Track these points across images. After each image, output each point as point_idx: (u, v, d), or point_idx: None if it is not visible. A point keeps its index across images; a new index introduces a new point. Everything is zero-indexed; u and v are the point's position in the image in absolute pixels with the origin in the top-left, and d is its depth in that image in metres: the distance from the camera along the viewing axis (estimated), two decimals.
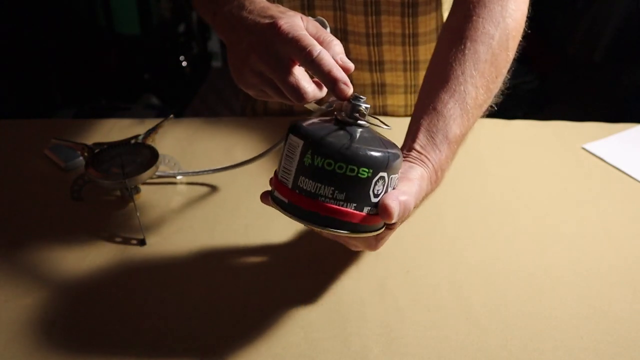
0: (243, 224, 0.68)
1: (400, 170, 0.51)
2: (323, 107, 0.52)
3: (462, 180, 0.76)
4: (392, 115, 0.93)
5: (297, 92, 0.49)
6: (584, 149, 0.82)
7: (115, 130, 0.86)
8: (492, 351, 0.53)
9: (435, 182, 0.57)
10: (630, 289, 0.60)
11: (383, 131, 0.50)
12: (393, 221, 0.48)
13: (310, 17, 0.54)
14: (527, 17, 0.66)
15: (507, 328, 0.55)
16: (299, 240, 0.66)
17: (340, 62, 0.49)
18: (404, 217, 0.50)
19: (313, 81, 0.51)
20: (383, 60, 0.87)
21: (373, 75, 0.89)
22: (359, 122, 0.49)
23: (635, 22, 1.71)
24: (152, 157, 0.71)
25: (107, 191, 0.74)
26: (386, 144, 0.49)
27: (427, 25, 0.83)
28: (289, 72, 0.49)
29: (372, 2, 0.80)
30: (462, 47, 0.60)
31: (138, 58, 2.24)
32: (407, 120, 0.61)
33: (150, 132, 0.76)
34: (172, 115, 0.79)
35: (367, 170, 0.46)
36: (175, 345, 0.54)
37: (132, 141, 0.74)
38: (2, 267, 0.63)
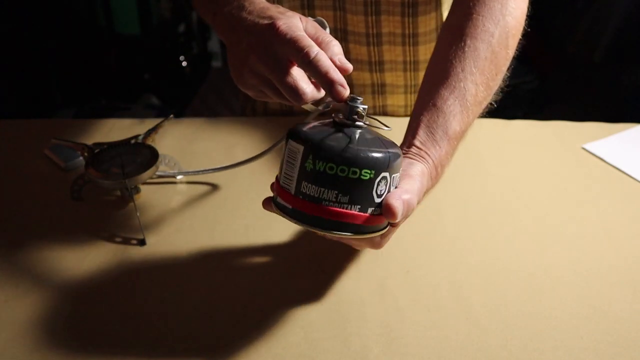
0: (243, 224, 0.68)
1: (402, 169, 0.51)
2: (320, 107, 0.52)
3: (462, 180, 0.76)
4: (392, 115, 0.93)
5: (296, 92, 0.49)
6: (584, 149, 0.82)
7: (115, 130, 0.86)
8: (492, 351, 0.53)
9: (435, 177, 0.57)
10: (630, 289, 0.60)
11: (383, 131, 0.50)
12: (397, 220, 0.48)
13: (309, 18, 0.54)
14: (527, 15, 0.66)
15: (507, 328, 0.55)
16: (299, 240, 0.66)
17: (338, 63, 0.50)
18: (407, 215, 0.50)
19: (311, 82, 0.51)
20: (383, 60, 0.87)
21: (373, 75, 0.89)
22: (358, 123, 0.49)
23: (635, 22, 1.71)
24: (152, 157, 0.71)
25: (107, 191, 0.74)
26: (386, 143, 0.49)
27: (427, 25, 0.83)
28: (287, 72, 0.49)
29: (372, 2, 0.80)
30: (462, 44, 0.61)
31: (138, 58, 2.24)
32: (407, 120, 0.61)
33: (150, 132, 0.76)
34: (172, 115, 0.79)
35: (369, 171, 0.46)
36: (175, 345, 0.54)
37: (132, 141, 0.74)
38: (2, 267, 0.63)
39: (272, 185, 0.54)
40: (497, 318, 0.56)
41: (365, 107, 0.49)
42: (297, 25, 0.50)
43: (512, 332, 0.55)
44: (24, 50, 1.97)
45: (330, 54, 0.50)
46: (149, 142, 0.75)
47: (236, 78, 0.55)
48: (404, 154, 0.56)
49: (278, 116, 0.94)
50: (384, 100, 0.92)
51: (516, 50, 0.65)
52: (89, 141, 0.75)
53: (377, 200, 0.48)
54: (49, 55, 2.06)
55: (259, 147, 0.65)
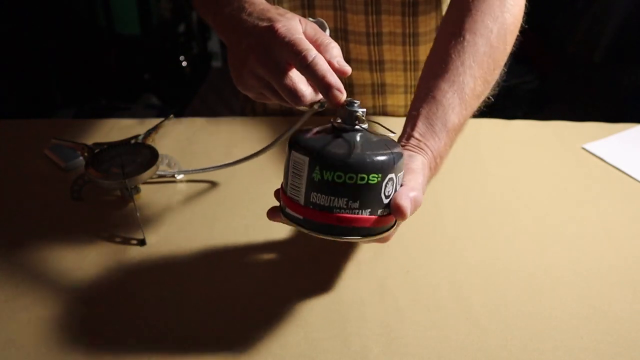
0: (243, 224, 0.68)
1: None
2: (316, 106, 0.52)
3: (462, 180, 0.76)
4: (392, 115, 0.93)
5: (295, 95, 0.49)
6: (584, 149, 0.82)
7: (115, 130, 0.86)
8: (492, 351, 0.53)
9: (434, 169, 0.58)
10: (630, 289, 0.60)
11: (380, 120, 0.51)
12: (406, 219, 0.49)
13: (309, 19, 0.54)
14: (526, 14, 0.67)
15: (507, 328, 0.55)
16: (299, 240, 0.66)
17: (337, 65, 0.50)
18: (415, 211, 0.51)
19: (310, 84, 0.51)
20: (383, 60, 0.87)
21: (373, 75, 0.89)
22: (358, 127, 0.49)
23: (635, 22, 1.71)
24: (152, 157, 0.71)
25: (107, 191, 0.74)
26: (388, 144, 0.49)
27: (427, 25, 0.83)
28: (286, 75, 0.49)
29: (373, 2, 0.80)
30: (462, 39, 0.62)
31: (138, 58, 2.24)
32: None
33: (150, 132, 0.76)
34: (172, 115, 0.79)
35: (376, 175, 0.47)
36: (175, 345, 0.54)
37: (132, 141, 0.74)
38: (2, 267, 0.63)
39: (276, 193, 0.54)
40: (497, 318, 0.56)
41: (364, 110, 0.49)
42: (296, 27, 0.50)
43: (512, 332, 0.55)
44: (24, 50, 1.97)
45: (329, 57, 0.50)
46: (149, 142, 0.75)
47: (236, 79, 0.55)
48: (402, 145, 0.57)
49: (278, 116, 0.94)
50: (384, 100, 0.92)
51: (514, 46, 0.66)
52: (89, 141, 0.75)
53: (386, 201, 0.49)
54: (49, 55, 2.06)
55: (259, 147, 0.65)
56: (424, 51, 0.85)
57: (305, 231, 0.49)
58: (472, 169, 0.78)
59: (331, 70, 0.48)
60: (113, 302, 0.59)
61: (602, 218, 0.69)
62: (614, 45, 1.78)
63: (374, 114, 0.93)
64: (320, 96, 0.51)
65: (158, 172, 0.71)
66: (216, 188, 0.75)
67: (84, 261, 0.63)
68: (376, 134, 0.51)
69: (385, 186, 0.48)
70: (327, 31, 0.55)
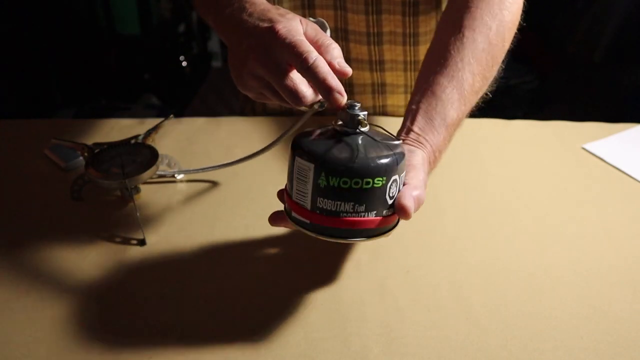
0: (243, 224, 0.68)
1: None
2: (316, 106, 0.52)
3: (462, 180, 0.76)
4: (392, 115, 0.93)
5: (296, 96, 0.49)
6: (584, 149, 0.82)
7: (115, 130, 0.86)
8: (492, 351, 0.53)
9: (433, 162, 0.59)
10: (630, 289, 0.60)
11: (380, 120, 0.51)
12: (410, 218, 0.50)
13: (310, 19, 0.54)
14: (523, 11, 0.68)
15: (507, 328, 0.55)
16: (299, 240, 0.66)
17: (337, 66, 0.50)
18: (418, 208, 0.52)
19: (311, 84, 0.51)
20: (383, 59, 0.87)
21: (373, 74, 0.89)
22: (359, 130, 0.49)
23: (635, 22, 1.71)
24: (152, 157, 0.71)
25: (107, 191, 0.74)
26: (390, 144, 0.49)
27: (428, 25, 0.83)
28: (286, 76, 0.49)
29: (373, 2, 0.80)
30: (461, 35, 0.63)
31: (138, 58, 2.24)
32: None
33: (150, 132, 0.76)
34: (172, 115, 0.79)
35: (381, 179, 0.47)
36: (176, 344, 0.54)
37: (132, 141, 0.74)
38: (2, 267, 0.63)
39: (279, 194, 0.55)
40: (497, 318, 0.56)
41: (365, 113, 0.49)
42: (296, 29, 0.50)
43: (512, 332, 0.55)
44: (24, 50, 1.97)
45: (330, 58, 0.50)
46: (149, 142, 0.75)
47: (236, 79, 0.55)
48: (402, 139, 0.58)
49: (278, 116, 0.94)
50: (384, 100, 0.92)
51: (512, 44, 0.67)
52: (89, 141, 0.75)
53: (390, 201, 0.49)
54: (49, 55, 2.06)
55: (259, 147, 0.65)
56: (424, 51, 0.85)
57: (312, 234, 0.50)
58: (472, 169, 0.78)
59: (332, 72, 0.48)
60: (113, 301, 0.59)
61: (602, 218, 0.69)
62: (614, 45, 1.78)
63: (374, 114, 0.93)
64: (320, 96, 0.51)
65: (158, 172, 0.71)
66: (216, 188, 0.75)
67: (84, 261, 0.63)
68: (377, 133, 0.51)
69: (390, 188, 0.48)
70: (328, 31, 0.55)
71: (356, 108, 0.48)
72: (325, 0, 0.82)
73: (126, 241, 0.66)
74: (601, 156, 0.80)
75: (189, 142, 0.84)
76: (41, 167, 0.79)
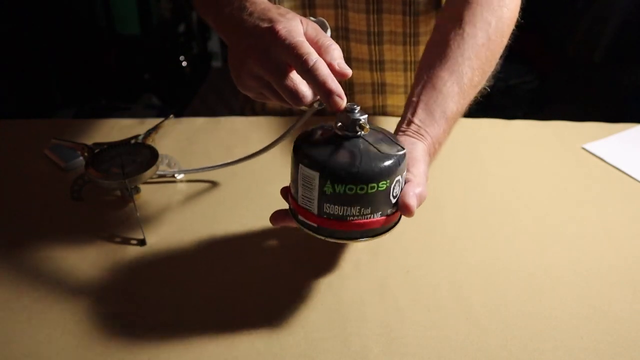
0: (243, 224, 0.68)
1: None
2: (316, 105, 0.52)
3: (462, 180, 0.76)
4: (392, 115, 0.93)
5: (296, 96, 0.49)
6: (584, 149, 0.82)
7: (115, 130, 0.86)
8: (492, 351, 0.53)
9: (433, 154, 0.60)
10: (630, 289, 0.60)
11: (380, 120, 0.51)
12: (413, 215, 0.51)
13: (310, 18, 0.54)
14: (521, 8, 0.70)
15: (507, 328, 0.55)
16: (299, 240, 0.66)
17: (337, 67, 0.50)
18: (420, 205, 0.53)
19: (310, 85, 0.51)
20: (384, 59, 0.87)
21: (373, 74, 0.89)
22: (360, 133, 0.49)
23: (635, 22, 1.71)
24: (152, 157, 0.71)
25: (107, 191, 0.74)
26: (391, 145, 0.50)
27: (428, 25, 0.83)
28: (286, 76, 0.49)
29: (374, 1, 0.80)
30: (461, 30, 0.64)
31: (138, 58, 2.24)
32: None
33: (150, 132, 0.76)
34: (172, 115, 0.79)
35: (385, 182, 0.48)
36: (175, 344, 0.54)
37: (132, 141, 0.74)
38: (2, 267, 0.63)
39: (282, 192, 0.55)
40: (497, 318, 0.56)
41: (366, 116, 0.49)
42: (296, 29, 0.50)
43: (512, 332, 0.55)
44: (24, 50, 1.97)
45: (330, 59, 0.50)
46: (149, 142, 0.75)
47: (235, 79, 0.55)
48: (402, 131, 0.59)
49: (278, 116, 0.94)
50: (384, 100, 0.92)
51: (510, 40, 0.69)
52: (89, 141, 0.75)
53: (393, 200, 0.50)
54: (49, 55, 2.06)
55: (259, 147, 0.65)
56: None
57: (320, 237, 0.51)
58: (472, 169, 0.78)
59: (332, 75, 0.48)
60: (113, 301, 0.59)
61: (602, 218, 0.69)
62: (614, 45, 1.78)
63: (374, 114, 0.93)
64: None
65: (158, 172, 0.71)
66: (216, 188, 0.75)
67: (84, 261, 0.63)
68: (377, 134, 0.51)
69: (393, 188, 0.49)
70: (329, 31, 0.55)
71: (356, 111, 0.48)
72: None
73: (126, 241, 0.66)
74: (601, 156, 0.80)
75: (189, 142, 0.84)
76: (41, 167, 0.79)
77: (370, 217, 0.49)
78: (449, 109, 0.60)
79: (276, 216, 0.55)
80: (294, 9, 0.81)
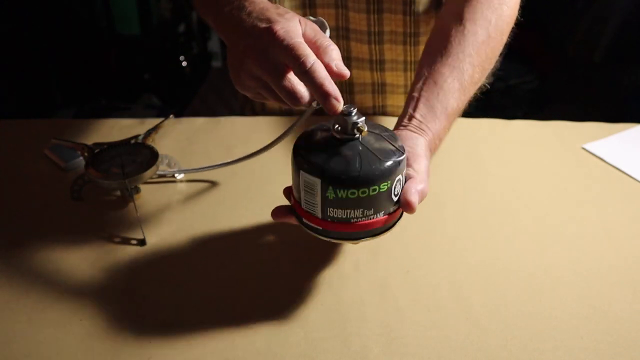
0: (243, 224, 0.68)
1: (405, 144, 0.54)
2: (314, 104, 0.52)
3: (462, 180, 0.76)
4: (392, 115, 0.93)
5: (294, 96, 0.49)
6: (584, 149, 0.82)
7: (115, 130, 0.86)
8: (492, 351, 0.53)
9: (434, 149, 0.60)
10: (630, 289, 0.60)
11: (380, 120, 0.51)
12: (415, 212, 0.51)
13: (310, 18, 0.54)
14: (521, 6, 0.71)
15: (507, 328, 0.55)
16: (299, 240, 0.66)
17: (335, 69, 0.49)
18: (422, 201, 0.53)
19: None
20: (384, 59, 0.87)
21: (374, 74, 0.89)
22: (358, 135, 0.49)
23: (635, 22, 1.71)
24: (152, 157, 0.71)
25: (107, 191, 0.74)
26: (390, 143, 0.50)
27: (428, 25, 0.83)
28: (284, 77, 0.49)
29: (375, 0, 0.80)
30: (462, 27, 0.65)
31: (138, 58, 2.24)
32: None
33: (150, 132, 0.76)
34: (172, 115, 0.79)
35: (386, 183, 0.48)
36: (175, 344, 0.54)
37: (132, 141, 0.74)
38: (2, 267, 0.63)
39: (285, 192, 0.56)
40: (497, 318, 0.56)
41: (363, 118, 0.49)
42: (294, 30, 0.50)
43: (512, 332, 0.55)
44: (24, 50, 1.97)
45: (328, 59, 0.50)
46: (149, 142, 0.75)
47: (234, 79, 0.55)
48: (404, 126, 0.59)
49: (277, 116, 0.94)
50: (384, 100, 0.92)
51: (509, 38, 0.70)
52: (89, 141, 0.75)
53: (395, 199, 0.51)
54: (49, 55, 2.06)
55: (259, 147, 0.65)
56: None
57: (324, 238, 0.52)
58: (472, 169, 0.78)
59: (329, 77, 0.48)
60: (113, 301, 0.59)
61: (602, 218, 0.69)
62: (614, 45, 1.78)
63: (374, 114, 0.93)
64: None
65: (158, 172, 0.71)
66: (216, 188, 0.75)
67: (84, 261, 0.63)
68: (375, 131, 0.51)
69: (395, 188, 0.50)
70: (328, 32, 0.55)
71: (353, 114, 0.48)
72: None
73: (126, 241, 0.66)
74: (601, 156, 0.80)
75: (189, 142, 0.84)
76: (41, 167, 0.79)
77: (373, 218, 0.50)
78: (449, 105, 0.61)
79: (277, 212, 0.55)
80: (295, 8, 0.81)
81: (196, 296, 0.59)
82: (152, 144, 0.75)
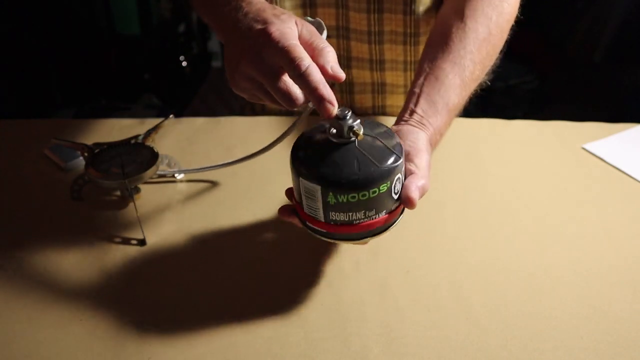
0: (243, 224, 0.68)
1: (406, 139, 0.54)
2: (311, 104, 0.52)
3: (462, 180, 0.76)
4: (392, 115, 0.93)
5: (289, 98, 0.49)
6: (584, 149, 0.82)
7: (115, 130, 0.86)
8: (492, 351, 0.53)
9: (435, 144, 0.60)
10: (630, 289, 0.60)
11: (380, 120, 0.51)
12: (415, 207, 0.51)
13: (307, 18, 0.54)
14: (521, 4, 0.71)
15: (507, 328, 0.55)
16: (299, 240, 0.66)
17: (330, 71, 0.49)
18: (422, 196, 0.53)
19: None
20: (384, 59, 0.87)
21: (374, 74, 0.89)
22: (354, 138, 0.50)
23: (635, 22, 1.71)
24: (152, 157, 0.71)
25: (107, 191, 0.74)
26: (387, 142, 0.50)
27: (429, 25, 0.83)
28: (279, 78, 0.49)
29: (375, 0, 0.80)
30: (463, 24, 0.65)
31: (138, 58, 2.23)
32: None
33: (150, 132, 0.76)
34: (172, 115, 0.79)
35: (386, 184, 0.49)
36: (175, 344, 0.54)
37: (132, 141, 0.74)
38: (2, 267, 0.63)
39: (287, 193, 0.56)
40: (497, 318, 0.56)
41: (358, 121, 0.49)
42: (290, 32, 0.50)
43: (512, 332, 0.55)
44: (24, 50, 1.97)
45: (323, 62, 0.49)
46: (149, 142, 0.75)
47: (230, 80, 0.55)
48: (405, 121, 0.59)
49: (277, 116, 0.94)
50: (384, 100, 0.92)
51: (509, 36, 0.70)
52: (89, 141, 0.75)
53: (395, 197, 0.51)
54: (49, 55, 2.06)
55: (259, 147, 0.65)
56: None
57: (328, 240, 0.53)
58: (472, 169, 0.78)
59: (324, 81, 0.48)
60: (113, 301, 0.59)
61: (602, 218, 0.69)
62: (614, 45, 1.78)
63: (374, 114, 0.93)
64: None
65: (158, 172, 0.71)
66: (216, 188, 0.75)
67: (84, 261, 0.63)
68: (371, 129, 0.51)
69: (394, 186, 0.50)
70: (325, 33, 0.55)
71: (348, 117, 0.48)
72: None
73: (126, 241, 0.66)
74: (601, 156, 0.80)
75: (189, 142, 0.84)
76: (41, 167, 0.79)
77: (375, 218, 0.50)
78: (450, 101, 0.61)
79: (284, 212, 0.55)
80: (295, 8, 0.81)
81: (196, 296, 0.59)
82: (152, 144, 0.75)
